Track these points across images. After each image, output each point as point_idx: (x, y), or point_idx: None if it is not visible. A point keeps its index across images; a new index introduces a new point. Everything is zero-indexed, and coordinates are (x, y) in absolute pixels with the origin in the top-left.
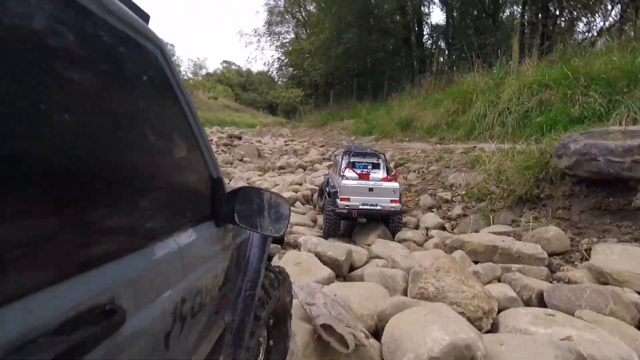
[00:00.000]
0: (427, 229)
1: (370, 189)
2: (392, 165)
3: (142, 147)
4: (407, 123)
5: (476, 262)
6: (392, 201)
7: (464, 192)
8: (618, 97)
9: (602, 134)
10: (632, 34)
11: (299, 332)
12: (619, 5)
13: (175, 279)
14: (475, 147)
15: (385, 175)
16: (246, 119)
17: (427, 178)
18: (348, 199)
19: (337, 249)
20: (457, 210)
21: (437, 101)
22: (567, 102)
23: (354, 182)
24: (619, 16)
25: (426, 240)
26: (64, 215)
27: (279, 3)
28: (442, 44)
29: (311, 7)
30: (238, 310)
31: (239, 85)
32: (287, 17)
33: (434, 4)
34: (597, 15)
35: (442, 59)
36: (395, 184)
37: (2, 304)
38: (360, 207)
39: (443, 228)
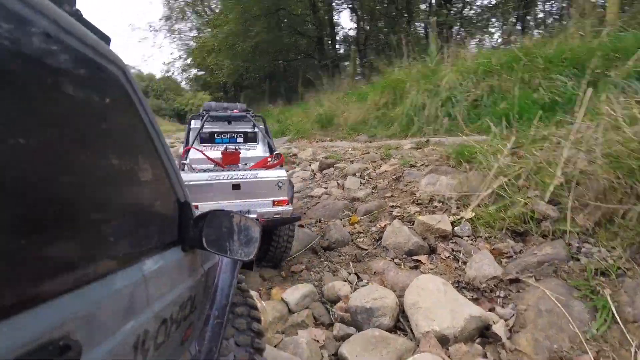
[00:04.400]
0: (440, 342)
1: (236, 186)
2: (317, 166)
3: (105, 171)
4: (327, 120)
5: None
6: (275, 203)
7: (470, 215)
8: (592, 79)
9: None
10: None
11: None
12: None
13: (138, 308)
14: (428, 140)
15: (265, 153)
16: None
17: (380, 185)
18: (195, 207)
19: None
20: (484, 264)
21: (361, 94)
22: (526, 88)
23: (203, 176)
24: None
25: None
26: (16, 241)
27: None
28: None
29: (213, 4)
30: (206, 339)
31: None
32: (188, 13)
33: (343, 9)
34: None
35: (357, 61)
36: (280, 172)
37: None
38: None
39: (484, 332)
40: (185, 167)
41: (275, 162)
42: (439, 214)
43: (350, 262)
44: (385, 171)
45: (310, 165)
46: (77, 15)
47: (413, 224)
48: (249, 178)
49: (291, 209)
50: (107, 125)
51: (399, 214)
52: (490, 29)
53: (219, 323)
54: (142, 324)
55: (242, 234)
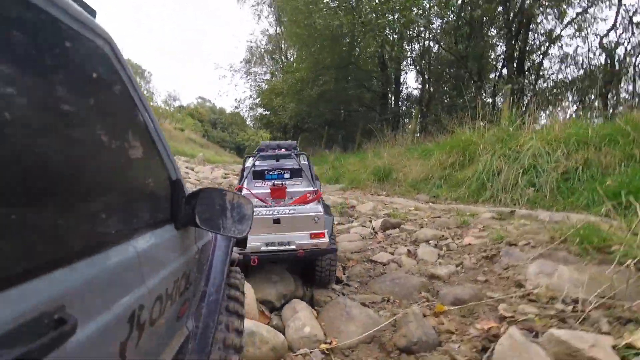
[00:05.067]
0: None
1: (276, 221)
2: (379, 224)
3: (93, 147)
4: (385, 173)
5: None
6: (312, 235)
7: (617, 340)
8: None
9: None
10: None
11: None
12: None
13: (133, 284)
14: (514, 211)
15: (309, 187)
16: (209, 155)
17: (467, 263)
18: None
19: None
20: None
21: (425, 151)
22: (636, 165)
23: None
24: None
25: None
26: (9, 217)
27: (261, 43)
28: (418, 107)
29: (290, 54)
30: (202, 315)
31: (210, 121)
32: (266, 60)
33: (411, 69)
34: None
35: (419, 119)
36: (316, 207)
37: None
38: (263, 249)
39: None
40: None
41: (313, 197)
42: (570, 323)
43: None
44: (470, 244)
45: (370, 221)
46: None
47: (536, 336)
48: (288, 214)
49: (327, 240)
50: (94, 101)
51: (508, 315)
52: (564, 104)
53: (215, 299)
54: (136, 299)
55: (235, 211)
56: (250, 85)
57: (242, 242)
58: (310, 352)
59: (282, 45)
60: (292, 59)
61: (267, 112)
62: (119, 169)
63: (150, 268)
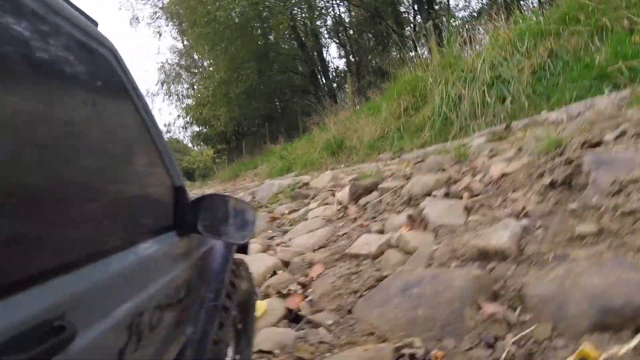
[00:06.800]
0: None
1: None
2: (346, 193)
3: (96, 155)
4: (337, 144)
5: None
6: None
7: None
8: None
9: None
10: None
11: None
12: None
13: (133, 291)
14: (509, 126)
15: None
16: None
17: (535, 208)
18: None
19: None
20: None
21: (373, 107)
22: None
23: None
24: None
25: None
26: (12, 225)
27: (172, 61)
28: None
29: (206, 63)
30: (200, 322)
31: None
32: (183, 75)
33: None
34: None
35: (355, 83)
36: None
37: None
38: None
39: None
40: None
41: None
42: None
43: None
44: (505, 175)
45: (333, 195)
46: None
47: None
48: None
49: None
50: (99, 108)
51: None
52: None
53: (214, 306)
54: (136, 306)
55: (237, 217)
56: (175, 105)
57: (243, 249)
58: None
59: (195, 56)
60: (208, 65)
61: (201, 128)
62: (122, 175)
63: (151, 275)
